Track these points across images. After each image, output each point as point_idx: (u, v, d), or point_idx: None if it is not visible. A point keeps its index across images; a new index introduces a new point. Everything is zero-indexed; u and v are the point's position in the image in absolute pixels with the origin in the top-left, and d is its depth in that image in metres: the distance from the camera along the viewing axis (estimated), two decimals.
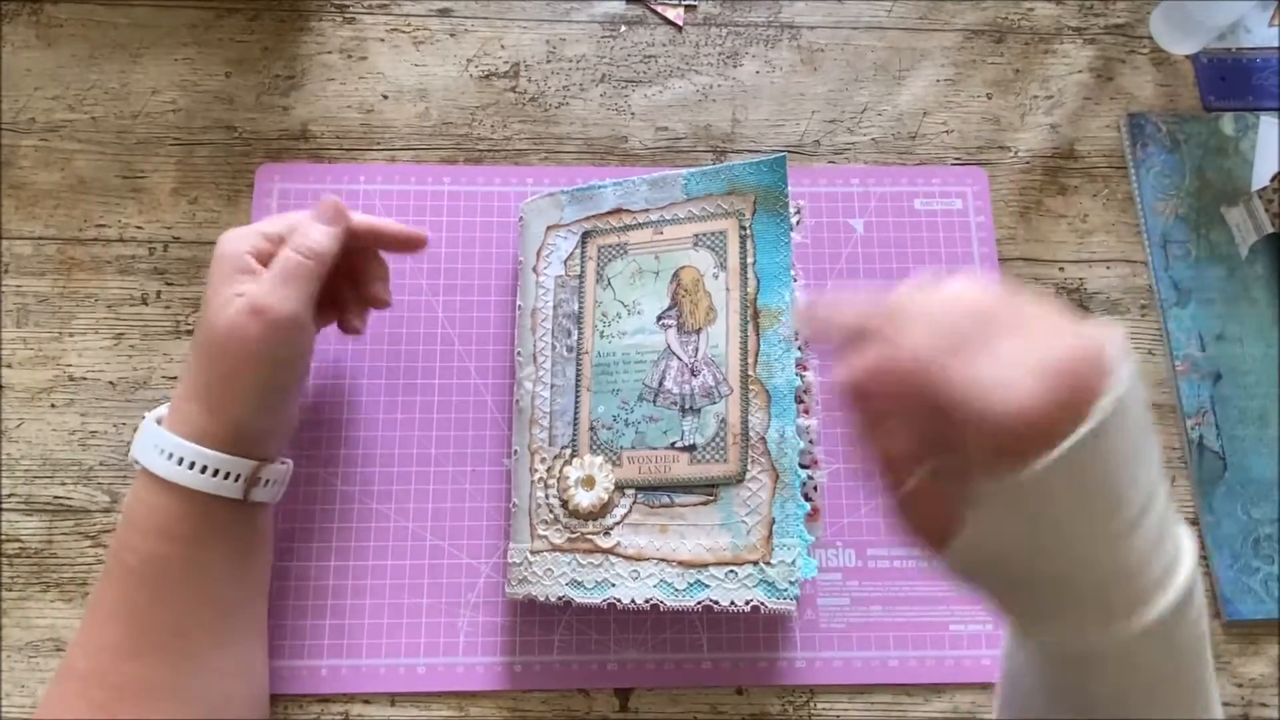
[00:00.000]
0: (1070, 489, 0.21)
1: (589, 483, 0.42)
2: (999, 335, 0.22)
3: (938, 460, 0.24)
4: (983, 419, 0.21)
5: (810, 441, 0.43)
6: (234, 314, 0.35)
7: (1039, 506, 0.22)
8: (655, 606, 0.39)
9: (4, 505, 0.44)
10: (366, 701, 0.42)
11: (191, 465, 0.35)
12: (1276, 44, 0.55)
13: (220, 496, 0.36)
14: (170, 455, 0.35)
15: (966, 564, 0.25)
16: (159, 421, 0.37)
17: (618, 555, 0.41)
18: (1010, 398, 0.21)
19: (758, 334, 0.42)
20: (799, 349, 0.42)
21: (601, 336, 0.44)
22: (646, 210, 0.45)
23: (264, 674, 0.41)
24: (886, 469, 0.25)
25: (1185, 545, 0.24)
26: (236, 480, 0.36)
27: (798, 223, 0.46)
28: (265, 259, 0.37)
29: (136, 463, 0.37)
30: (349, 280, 0.42)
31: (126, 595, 0.35)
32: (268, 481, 0.38)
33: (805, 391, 0.43)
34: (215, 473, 0.36)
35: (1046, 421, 0.21)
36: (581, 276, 0.45)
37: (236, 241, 0.37)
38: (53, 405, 0.46)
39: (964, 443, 0.22)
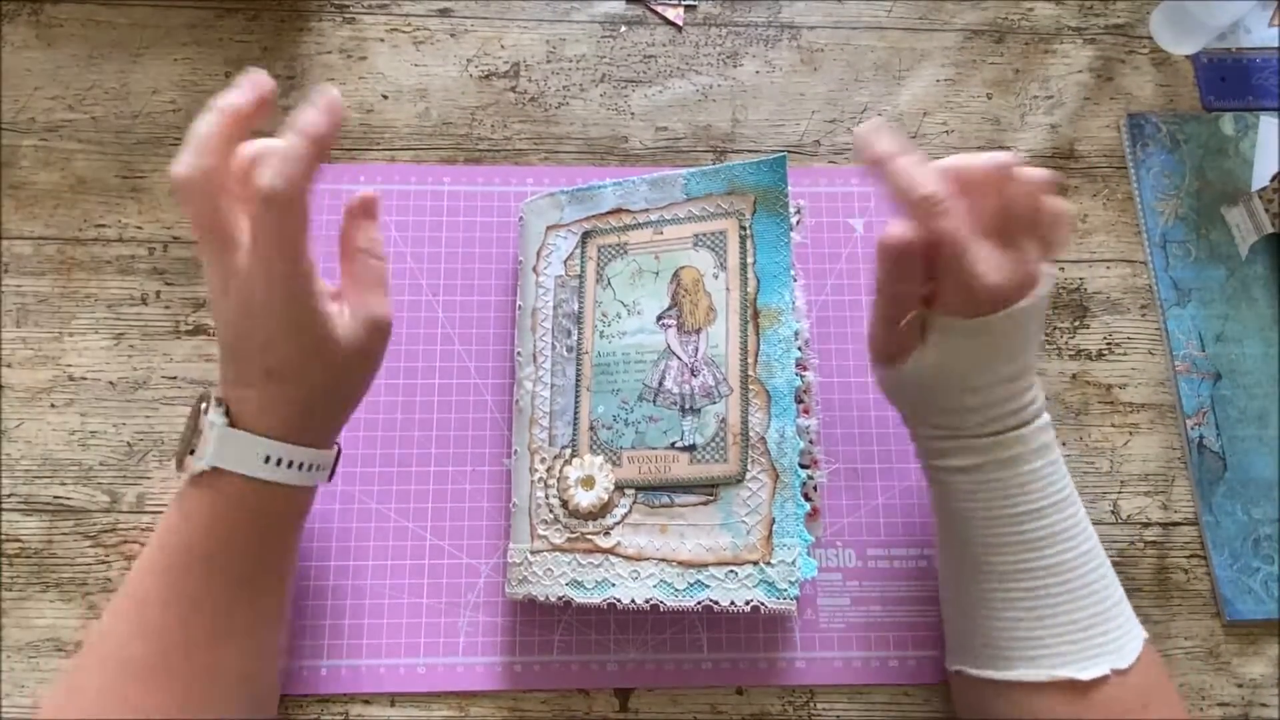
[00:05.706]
0: (994, 336, 0.35)
1: (589, 483, 0.42)
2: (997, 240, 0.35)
3: (924, 308, 0.37)
4: (983, 287, 0.34)
5: (810, 441, 0.43)
6: (365, 334, 0.36)
7: (978, 339, 0.35)
8: (655, 606, 0.39)
9: (4, 505, 0.44)
10: (366, 702, 0.42)
11: (292, 464, 0.35)
12: (1276, 44, 0.55)
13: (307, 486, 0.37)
14: (274, 459, 0.35)
15: (914, 372, 0.37)
16: (229, 424, 0.34)
17: (618, 555, 0.41)
18: (998, 282, 0.34)
19: (758, 334, 0.42)
20: (799, 349, 0.42)
21: (601, 336, 0.44)
22: (646, 210, 0.45)
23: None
24: (893, 304, 0.37)
25: (1040, 398, 0.37)
26: (323, 470, 0.38)
27: (798, 223, 0.46)
28: None
29: (217, 469, 0.34)
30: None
31: (208, 588, 0.35)
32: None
33: (805, 391, 0.43)
34: (310, 467, 0.36)
35: (1006, 297, 0.34)
36: (581, 276, 0.45)
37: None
38: (53, 405, 0.46)
39: (952, 296, 0.35)
